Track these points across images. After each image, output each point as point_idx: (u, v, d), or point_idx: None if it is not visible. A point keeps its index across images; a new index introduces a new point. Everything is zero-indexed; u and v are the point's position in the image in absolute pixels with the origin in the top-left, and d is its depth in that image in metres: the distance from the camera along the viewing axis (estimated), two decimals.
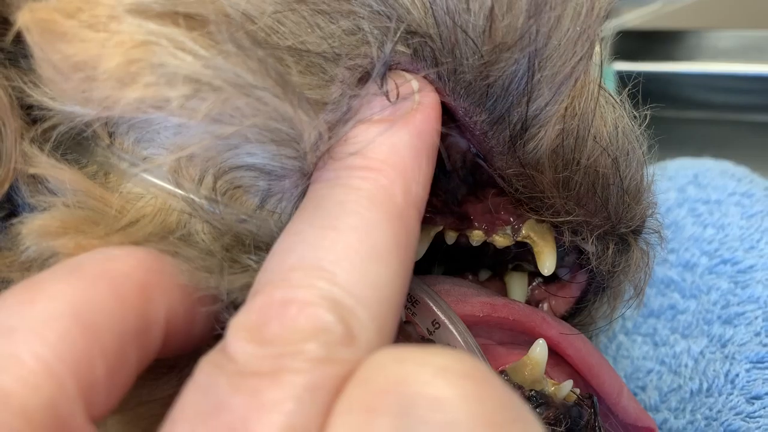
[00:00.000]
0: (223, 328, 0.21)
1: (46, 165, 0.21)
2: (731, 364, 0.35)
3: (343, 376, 0.15)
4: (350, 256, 0.17)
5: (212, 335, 0.22)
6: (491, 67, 0.18)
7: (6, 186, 0.20)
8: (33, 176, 0.21)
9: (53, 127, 0.21)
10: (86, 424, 0.17)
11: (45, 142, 0.21)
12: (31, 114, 0.21)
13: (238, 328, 0.16)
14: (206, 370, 0.16)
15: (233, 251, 0.21)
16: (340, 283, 0.16)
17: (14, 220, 0.21)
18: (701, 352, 0.36)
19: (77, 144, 0.22)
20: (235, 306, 0.21)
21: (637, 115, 0.23)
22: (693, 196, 0.44)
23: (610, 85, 0.77)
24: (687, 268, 0.40)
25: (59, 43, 0.19)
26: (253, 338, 0.16)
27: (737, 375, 0.34)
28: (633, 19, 0.76)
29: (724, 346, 0.36)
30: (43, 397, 0.16)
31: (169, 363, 0.22)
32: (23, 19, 0.19)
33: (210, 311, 0.21)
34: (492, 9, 0.18)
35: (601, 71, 0.22)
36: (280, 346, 0.16)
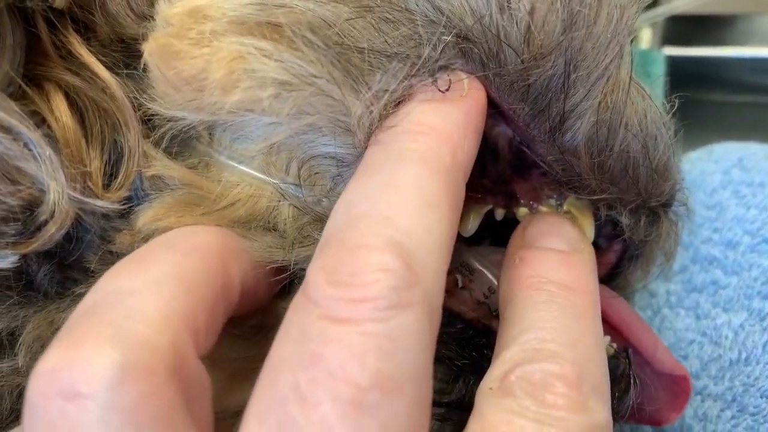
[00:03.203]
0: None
1: (161, 166, 0.25)
2: None
3: (414, 319, 0.18)
4: (408, 207, 0.20)
5: (274, 294, 0.26)
6: (531, 71, 0.21)
7: (131, 177, 0.25)
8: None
9: (163, 129, 0.25)
10: (196, 360, 0.20)
11: (158, 141, 0.25)
12: (145, 119, 0.25)
13: (317, 270, 0.19)
14: (296, 319, 0.19)
15: (308, 228, 0.24)
16: (401, 229, 0.19)
17: (136, 207, 0.25)
18: (741, 325, 0.38)
19: (182, 141, 0.26)
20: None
21: (666, 102, 0.25)
22: (737, 178, 0.45)
23: (660, 69, 0.78)
24: (729, 246, 0.41)
25: (173, 61, 0.23)
26: (330, 280, 0.18)
27: None
28: (684, 4, 0.76)
29: (763, 319, 0.37)
30: (167, 338, 0.19)
31: (256, 324, 0.26)
32: (148, 48, 0.23)
33: (280, 281, 0.24)
34: (528, 26, 0.21)
35: (632, 60, 0.24)
36: (355, 289, 0.18)
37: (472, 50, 0.22)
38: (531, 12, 0.21)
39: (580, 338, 0.21)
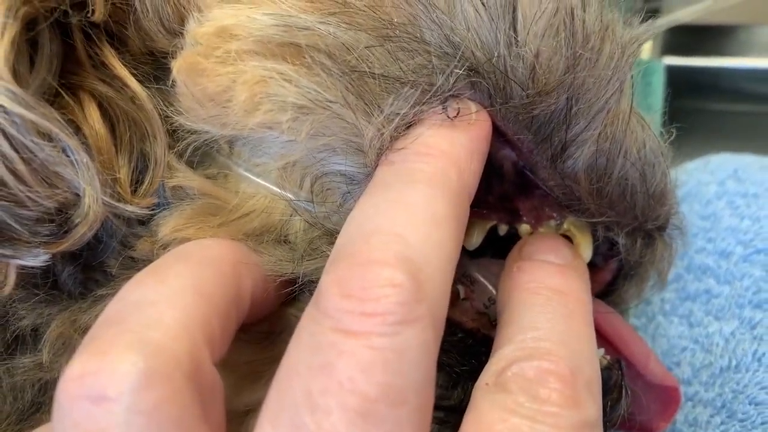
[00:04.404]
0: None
1: (182, 177, 0.26)
2: (759, 344, 0.38)
3: (420, 333, 0.19)
4: (417, 224, 0.21)
5: (282, 302, 0.27)
6: (535, 104, 0.23)
7: (156, 185, 0.26)
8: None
9: (187, 140, 0.26)
10: (211, 366, 0.22)
11: (182, 152, 0.26)
12: (171, 131, 0.27)
13: (330, 282, 0.20)
14: (308, 328, 0.20)
15: (317, 242, 0.26)
16: (410, 245, 0.20)
17: (156, 215, 0.27)
18: (732, 333, 0.39)
19: (203, 152, 0.27)
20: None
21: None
22: (732, 189, 0.46)
23: (660, 79, 0.79)
24: (723, 256, 0.43)
25: (199, 78, 0.24)
26: (342, 293, 0.19)
27: (764, 354, 0.37)
28: (685, 14, 0.77)
29: (753, 328, 0.39)
30: (184, 345, 0.20)
31: (265, 330, 0.28)
32: (177, 66, 0.24)
33: (288, 291, 0.26)
34: (534, 66, 0.22)
35: (633, 92, 0.26)
36: (366, 303, 0.19)
37: (480, 83, 0.23)
38: (536, 55, 0.22)
39: (573, 338, 0.22)
